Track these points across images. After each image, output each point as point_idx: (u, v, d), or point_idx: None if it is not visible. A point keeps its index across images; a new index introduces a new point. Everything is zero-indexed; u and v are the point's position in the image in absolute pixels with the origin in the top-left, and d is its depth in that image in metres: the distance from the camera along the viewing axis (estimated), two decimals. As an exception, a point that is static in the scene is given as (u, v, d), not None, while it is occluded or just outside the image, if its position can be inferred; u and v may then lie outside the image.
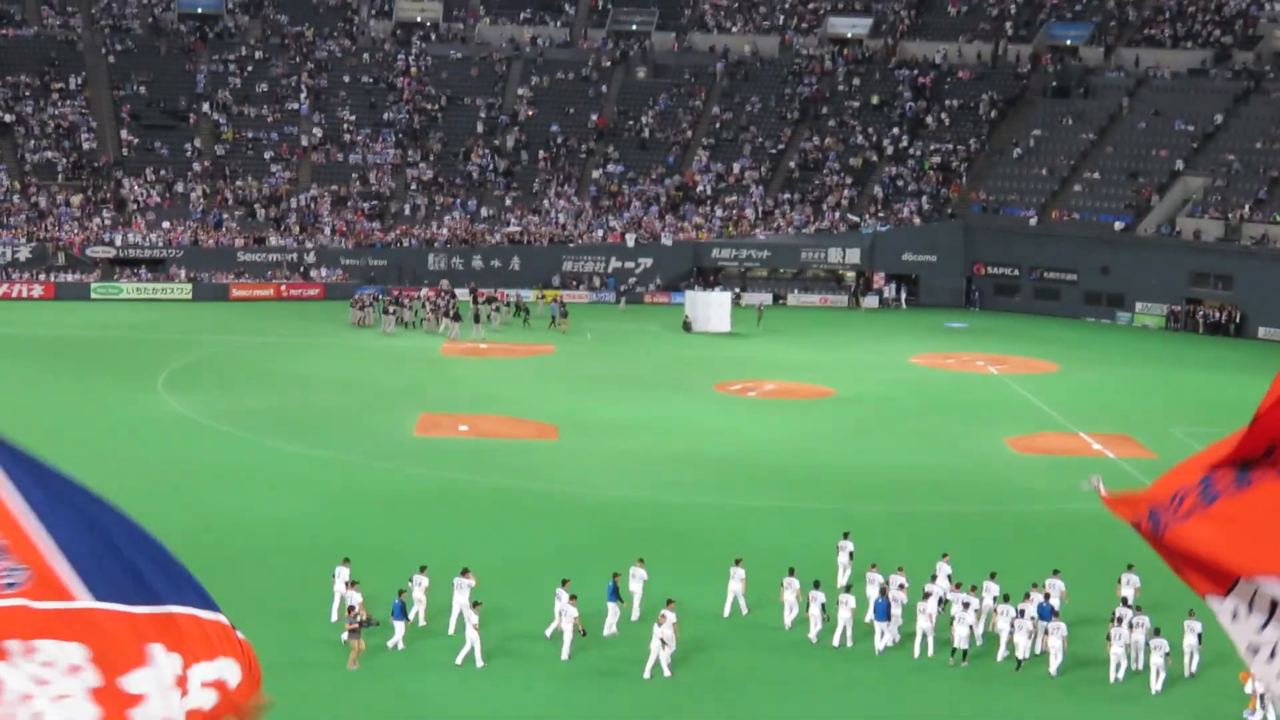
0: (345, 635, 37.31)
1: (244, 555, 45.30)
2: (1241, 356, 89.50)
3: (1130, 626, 39.17)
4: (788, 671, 39.00)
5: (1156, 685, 38.17)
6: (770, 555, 44.36)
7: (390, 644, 37.84)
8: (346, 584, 39.53)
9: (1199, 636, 38.79)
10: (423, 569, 40.04)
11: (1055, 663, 38.97)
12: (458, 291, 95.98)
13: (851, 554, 44.69)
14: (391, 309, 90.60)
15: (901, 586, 41.26)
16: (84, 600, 7.77)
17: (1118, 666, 38.69)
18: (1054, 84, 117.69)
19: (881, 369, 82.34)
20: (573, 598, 38.34)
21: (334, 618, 39.95)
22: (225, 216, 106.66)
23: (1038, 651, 39.61)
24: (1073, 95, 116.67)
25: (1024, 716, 37.39)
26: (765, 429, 66.59)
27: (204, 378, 73.39)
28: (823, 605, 40.33)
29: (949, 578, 42.13)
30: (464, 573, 39.92)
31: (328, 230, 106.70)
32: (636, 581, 41.36)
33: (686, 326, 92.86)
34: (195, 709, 7.94)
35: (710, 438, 64.10)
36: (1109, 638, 38.97)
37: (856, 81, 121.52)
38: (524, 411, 68.29)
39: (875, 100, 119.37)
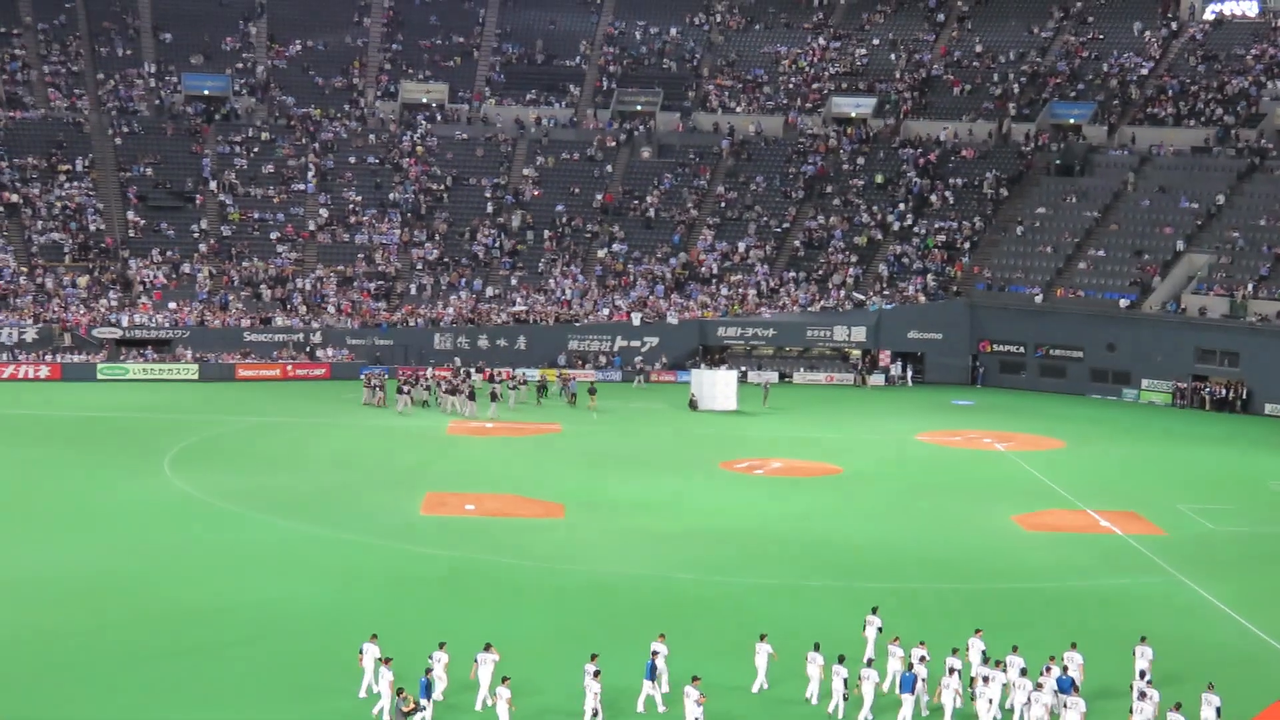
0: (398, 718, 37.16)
1: (257, 635, 45.35)
2: (1248, 432, 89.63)
3: (1145, 699, 38.82)
4: None
5: None
6: (778, 632, 44.16)
7: None
8: (378, 660, 39.56)
9: (1217, 710, 38.47)
10: (442, 645, 39.91)
11: None
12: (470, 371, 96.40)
13: (880, 629, 44.65)
14: (405, 388, 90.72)
15: (923, 659, 41.12)
16: None
17: None
18: (1058, 162, 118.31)
19: (888, 446, 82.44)
20: (596, 673, 38.36)
21: (362, 694, 40.00)
22: (231, 297, 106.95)
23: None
24: (1076, 173, 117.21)
25: None
26: (771, 507, 66.52)
27: (211, 458, 73.38)
28: (844, 680, 40.24)
29: (983, 654, 42.09)
30: (487, 648, 40.05)
31: (333, 310, 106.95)
32: (658, 657, 41.17)
33: (692, 405, 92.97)
34: None
35: (716, 515, 64.10)
36: (1132, 711, 38.53)
37: (861, 160, 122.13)
38: (530, 490, 68.25)
39: (880, 179, 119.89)
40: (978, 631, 43.37)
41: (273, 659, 43.20)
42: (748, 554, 57.52)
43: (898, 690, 40.38)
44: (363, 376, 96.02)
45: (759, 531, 61.39)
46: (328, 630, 45.96)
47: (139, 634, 44.89)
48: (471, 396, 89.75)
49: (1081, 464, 78.94)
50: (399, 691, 37.09)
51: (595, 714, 38.09)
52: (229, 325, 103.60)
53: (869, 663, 41.59)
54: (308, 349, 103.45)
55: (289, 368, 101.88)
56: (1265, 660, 46.21)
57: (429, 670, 38.63)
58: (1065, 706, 38.71)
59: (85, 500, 62.95)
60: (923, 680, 40.37)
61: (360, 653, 40.55)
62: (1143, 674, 41.39)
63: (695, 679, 37.91)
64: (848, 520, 64.14)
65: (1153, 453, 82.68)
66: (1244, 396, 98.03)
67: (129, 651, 43.05)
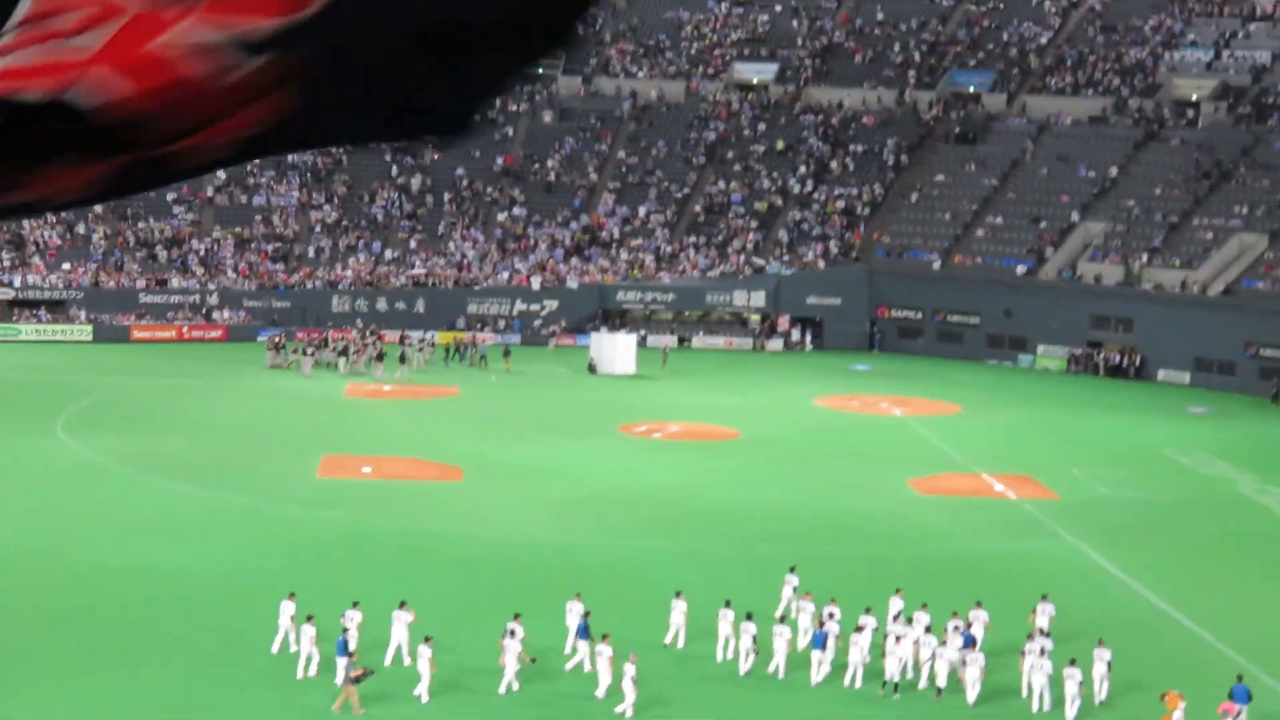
0: (344, 682, 37.39)
1: (153, 599, 45.15)
2: (1141, 399, 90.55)
3: (1046, 655, 39.87)
4: (726, 700, 39.55)
5: (1071, 714, 38.74)
6: (668, 596, 44.46)
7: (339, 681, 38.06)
8: (293, 617, 40.12)
9: (1108, 664, 39.73)
10: (355, 604, 40.27)
11: (973, 694, 39.67)
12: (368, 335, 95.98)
13: (795, 588, 45.32)
14: (310, 351, 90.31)
15: (832, 616, 42.00)
16: None
17: (1040, 696, 39.30)
18: (957, 130, 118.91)
19: (786, 411, 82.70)
20: (512, 633, 38.90)
21: (275, 649, 40.35)
22: (126, 258, 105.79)
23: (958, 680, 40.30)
24: (976, 141, 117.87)
25: None
26: (670, 471, 66.72)
27: (105, 420, 72.69)
28: (754, 637, 40.88)
29: (902, 612, 42.86)
30: (402, 605, 40.44)
31: (230, 272, 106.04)
32: (573, 616, 41.79)
33: (591, 369, 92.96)
34: None
35: (615, 479, 64.23)
36: (1023, 653, 39.89)
37: (762, 126, 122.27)
38: (428, 453, 68.08)
39: (780, 145, 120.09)
40: (898, 590, 44.10)
41: (181, 622, 43.09)
42: (647, 518, 57.65)
43: (811, 647, 41.06)
44: (265, 339, 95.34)
45: (658, 496, 61.50)
46: (231, 593, 45.83)
47: (37, 599, 44.55)
48: (380, 357, 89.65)
49: (977, 429, 79.56)
50: (350, 655, 37.36)
51: (530, 662, 38.83)
52: (124, 286, 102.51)
53: (781, 619, 42.21)
54: (204, 311, 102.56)
55: (185, 329, 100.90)
56: (1154, 623, 46.98)
57: (345, 630, 38.72)
58: (964, 663, 39.50)
59: (-24, 462, 62.31)
60: (834, 638, 41.04)
61: (279, 611, 40.70)
62: (1043, 631, 42.21)
63: (605, 636, 38.64)
64: (746, 485, 64.29)
65: (1048, 418, 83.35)
66: (1138, 364, 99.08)
67: (28, 617, 42.72)
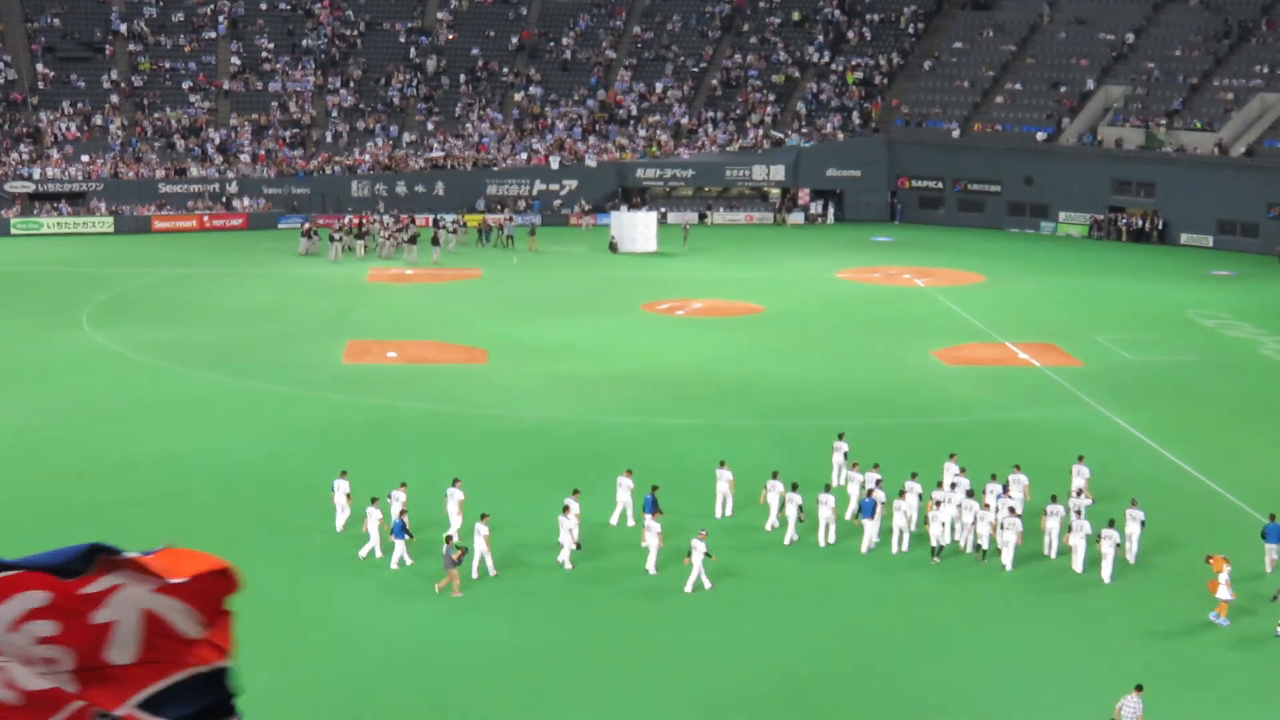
0: (448, 565, 38.10)
1: (197, 484, 45.85)
2: (1164, 263, 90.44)
3: (1083, 515, 41.10)
4: (777, 568, 40.34)
5: (1108, 571, 39.55)
6: (707, 471, 44.91)
7: (396, 560, 39.42)
8: (348, 495, 41.55)
9: (1141, 524, 40.62)
10: (402, 485, 41.17)
11: (1009, 557, 40.49)
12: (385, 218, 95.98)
13: (846, 454, 46.28)
14: (337, 236, 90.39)
15: (879, 483, 42.87)
16: None
17: (1080, 556, 40.18)
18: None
19: (808, 285, 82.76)
20: (566, 509, 40.12)
21: (340, 527, 41.64)
22: (144, 148, 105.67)
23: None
24: (993, 7, 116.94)
25: (994, 608, 38.37)
26: (694, 347, 66.93)
27: (130, 312, 73.00)
28: (800, 506, 41.67)
29: (955, 478, 43.61)
30: (455, 483, 41.64)
31: (248, 159, 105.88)
32: (624, 491, 42.76)
33: (613, 247, 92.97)
34: None
35: (640, 358, 64.46)
36: (1045, 513, 41.14)
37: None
38: (452, 336, 68.35)
39: (796, 16, 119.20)
40: (952, 456, 44.73)
41: (231, 504, 43.83)
42: (674, 395, 57.93)
43: (859, 517, 41.98)
44: (298, 225, 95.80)
45: (683, 373, 61.72)
46: (272, 476, 46.67)
47: (73, 488, 44.97)
48: (413, 241, 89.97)
49: (1000, 298, 79.57)
50: (448, 539, 38.31)
51: (576, 547, 39.53)
52: (143, 177, 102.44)
53: (827, 488, 42.89)
54: (224, 199, 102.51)
55: (205, 218, 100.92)
56: (1179, 484, 47.33)
57: (403, 512, 39.57)
58: (1002, 526, 40.07)
59: (3, 356, 62.56)
60: (881, 505, 41.92)
61: (332, 489, 41.71)
62: (1080, 491, 43.05)
63: (657, 512, 40.06)
64: (769, 359, 64.51)
65: (1070, 285, 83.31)
66: (1160, 227, 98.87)
67: (63, 504, 43.08)
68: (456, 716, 32.16)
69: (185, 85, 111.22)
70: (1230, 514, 44.32)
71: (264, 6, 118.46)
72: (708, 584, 38.42)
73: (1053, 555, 40.96)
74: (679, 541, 39.38)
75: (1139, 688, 31.22)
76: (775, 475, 42.77)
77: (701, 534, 38.75)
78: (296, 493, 44.72)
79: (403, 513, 39.38)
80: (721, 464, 44.12)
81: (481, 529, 38.53)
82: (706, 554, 38.37)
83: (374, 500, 39.80)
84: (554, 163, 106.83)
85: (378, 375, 60.78)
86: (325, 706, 32.15)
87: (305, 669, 33.58)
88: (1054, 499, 41.52)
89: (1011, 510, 40.89)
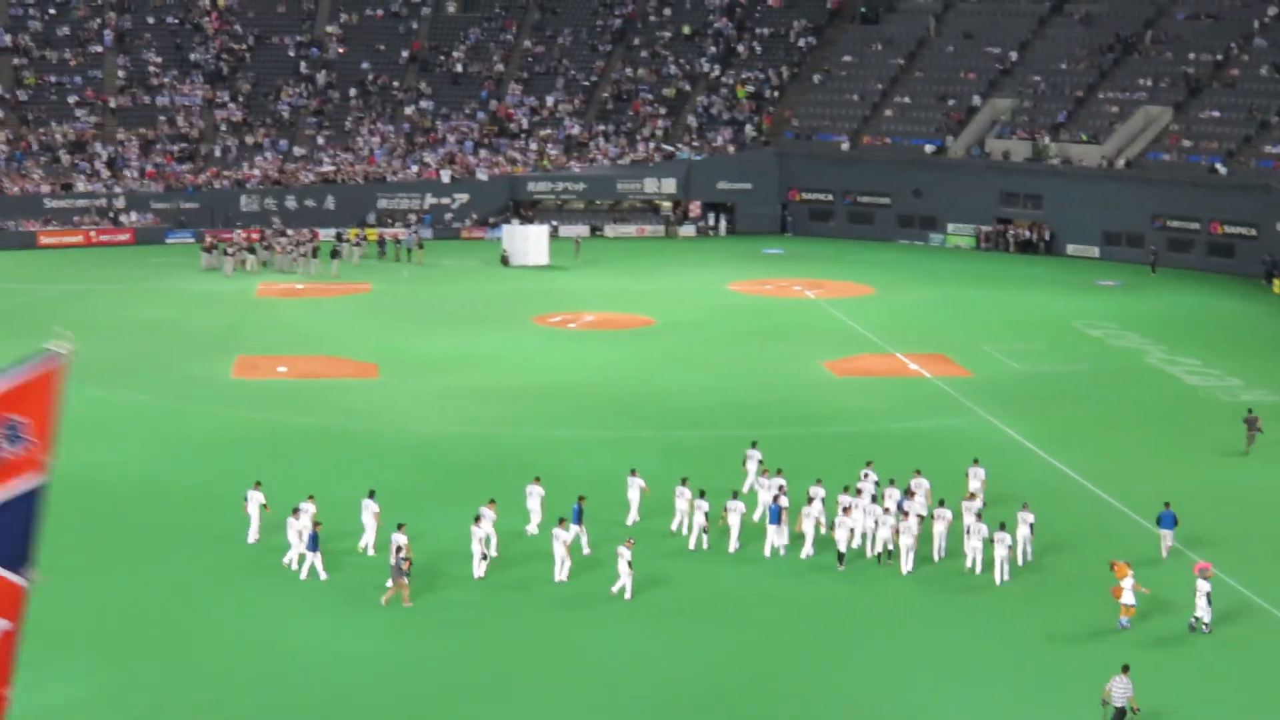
0: (396, 575, 38.20)
1: (96, 499, 45.10)
2: (1051, 273, 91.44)
3: (980, 517, 41.94)
4: (684, 573, 40.77)
5: (1002, 575, 40.31)
6: (604, 482, 45.35)
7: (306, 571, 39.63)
8: (262, 506, 41.78)
9: (1031, 527, 41.71)
10: (310, 497, 41.24)
11: (908, 561, 41.22)
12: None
13: (760, 462, 46.84)
14: (232, 250, 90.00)
15: (782, 489, 43.45)
16: None
17: (972, 561, 40.98)
18: (862, 10, 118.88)
19: (700, 297, 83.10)
20: (479, 519, 40.52)
21: (252, 539, 41.90)
22: (30, 163, 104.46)
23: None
24: (881, 21, 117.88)
25: (899, 613, 38.77)
26: (587, 360, 67.11)
27: (16, 327, 71.91)
28: (705, 513, 42.22)
29: (876, 485, 44.54)
30: (370, 495, 42.08)
31: (136, 174, 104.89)
32: (534, 499, 43.29)
33: (504, 261, 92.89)
34: None
35: (533, 371, 64.61)
36: (934, 517, 42.23)
37: (668, 11, 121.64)
38: (343, 350, 68.16)
39: (687, 30, 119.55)
40: (869, 464, 45.54)
41: (133, 519, 43.82)
42: (568, 407, 58.07)
43: (766, 521, 42.59)
44: (203, 239, 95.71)
45: (576, 385, 61.83)
46: (170, 491, 46.69)
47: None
48: (314, 254, 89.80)
49: (890, 309, 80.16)
50: (397, 549, 38.40)
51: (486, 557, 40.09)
52: (28, 192, 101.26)
53: (735, 495, 43.52)
54: (111, 214, 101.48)
55: (92, 234, 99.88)
56: (1067, 490, 47.97)
57: (316, 524, 39.57)
58: (900, 532, 40.96)
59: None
60: (785, 511, 42.50)
61: (245, 500, 41.93)
62: (974, 494, 43.72)
63: (562, 520, 40.32)
64: (662, 371, 64.76)
65: (959, 296, 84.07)
66: (1047, 238, 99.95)
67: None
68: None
69: (71, 99, 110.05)
70: (1116, 518, 45.21)
71: (151, 20, 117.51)
72: (629, 595, 38.62)
73: (940, 557, 41.64)
74: (604, 552, 40.19)
75: (1125, 668, 31.84)
76: (684, 481, 43.43)
77: (629, 542, 39.14)
78: (195, 506, 44.59)
79: (316, 525, 39.32)
80: (633, 471, 44.51)
81: (399, 538, 38.66)
82: (629, 564, 38.82)
83: (295, 511, 39.90)
84: (445, 176, 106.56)
85: (269, 390, 60.45)
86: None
87: (219, 681, 33.49)
88: (942, 503, 42.11)
89: (906, 514, 41.54)
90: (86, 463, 48.71)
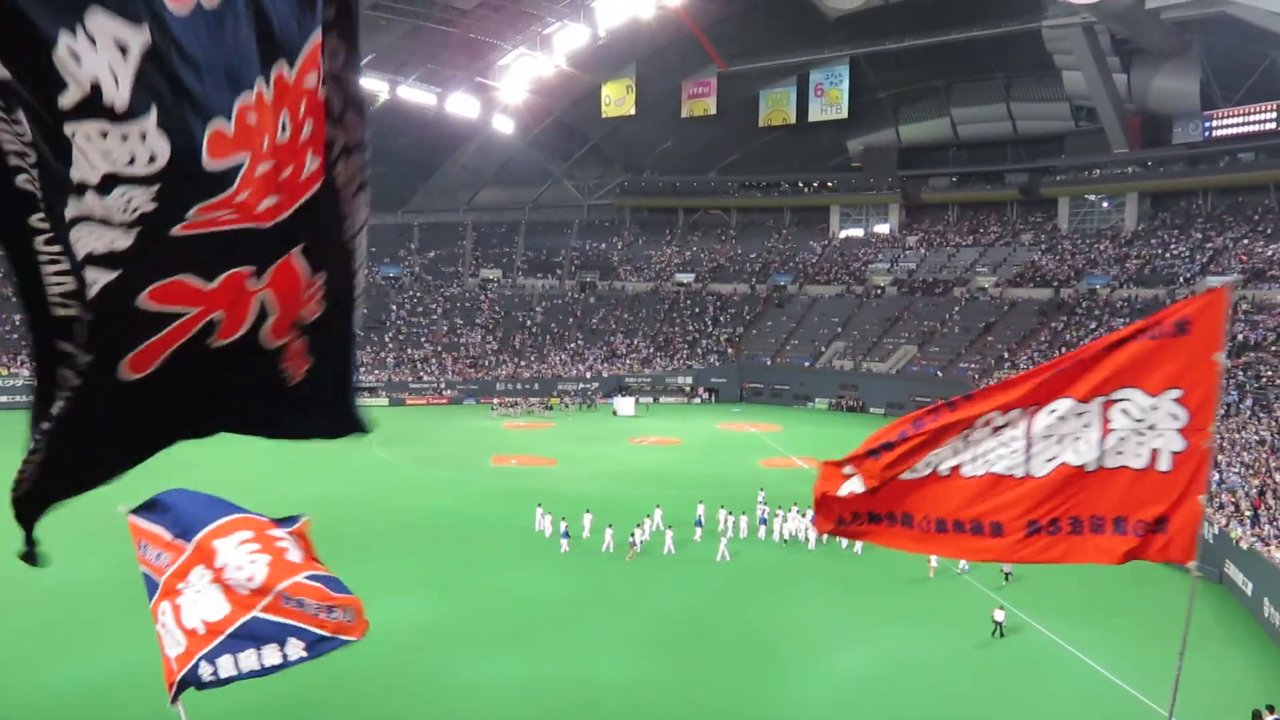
0: (631, 546, 34.98)
1: (431, 523, 43.28)
2: (861, 420, 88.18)
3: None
4: (697, 553, 37.41)
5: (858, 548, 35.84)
6: (662, 509, 43.70)
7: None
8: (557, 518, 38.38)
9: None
10: (587, 510, 40.18)
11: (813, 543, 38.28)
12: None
13: (763, 500, 43.91)
14: (495, 404, 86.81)
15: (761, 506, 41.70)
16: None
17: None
18: (777, 301, 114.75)
19: (702, 430, 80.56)
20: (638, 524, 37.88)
21: (544, 530, 38.94)
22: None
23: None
24: (785, 305, 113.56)
25: (806, 570, 36.18)
26: (652, 459, 65.14)
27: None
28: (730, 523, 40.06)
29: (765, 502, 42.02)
30: (586, 511, 39.77)
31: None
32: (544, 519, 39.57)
33: (614, 413, 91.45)
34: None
35: (628, 462, 62.64)
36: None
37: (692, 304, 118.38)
38: (542, 452, 66.46)
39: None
40: (761, 490, 44.20)
41: (460, 532, 39.56)
42: (643, 479, 55.84)
43: (757, 521, 39.81)
44: (495, 402, 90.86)
45: (647, 470, 59.76)
46: (467, 520, 42.69)
47: None
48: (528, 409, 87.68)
49: (790, 436, 77.20)
50: (631, 536, 35.02)
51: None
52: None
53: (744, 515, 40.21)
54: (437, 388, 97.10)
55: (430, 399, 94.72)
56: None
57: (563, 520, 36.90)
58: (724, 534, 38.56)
59: None
60: (763, 524, 39.22)
61: (535, 516, 39.64)
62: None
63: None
64: (687, 464, 61.95)
65: (821, 431, 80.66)
66: (860, 404, 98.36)
67: None
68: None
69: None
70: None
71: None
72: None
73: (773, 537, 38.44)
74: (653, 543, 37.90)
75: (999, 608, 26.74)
76: (721, 506, 42.06)
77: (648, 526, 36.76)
78: (489, 523, 41.79)
79: (563, 520, 36.67)
80: (657, 507, 42.44)
81: (635, 531, 35.57)
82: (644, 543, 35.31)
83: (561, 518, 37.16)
84: (588, 374, 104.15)
85: (509, 471, 58.51)
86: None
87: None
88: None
89: (804, 515, 37.92)
90: (420, 507, 47.46)
